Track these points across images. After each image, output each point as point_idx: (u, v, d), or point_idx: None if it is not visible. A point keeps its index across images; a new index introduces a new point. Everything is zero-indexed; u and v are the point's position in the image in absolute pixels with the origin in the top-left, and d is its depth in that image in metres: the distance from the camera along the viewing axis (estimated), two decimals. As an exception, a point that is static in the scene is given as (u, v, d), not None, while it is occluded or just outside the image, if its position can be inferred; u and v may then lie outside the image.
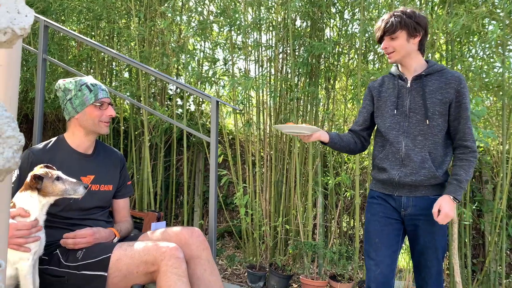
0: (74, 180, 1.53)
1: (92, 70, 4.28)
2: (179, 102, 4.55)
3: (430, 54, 3.23)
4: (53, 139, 1.84)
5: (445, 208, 1.64)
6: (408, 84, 1.80)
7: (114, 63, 4.45)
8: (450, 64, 3.37)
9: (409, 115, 1.77)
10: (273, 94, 3.58)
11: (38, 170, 1.48)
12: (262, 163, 4.00)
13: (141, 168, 4.04)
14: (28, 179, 1.46)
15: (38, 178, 1.45)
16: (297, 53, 3.74)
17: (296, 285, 3.55)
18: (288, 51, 3.69)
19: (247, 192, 3.76)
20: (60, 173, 1.52)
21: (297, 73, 3.75)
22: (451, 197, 1.66)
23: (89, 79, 1.82)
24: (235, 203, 3.59)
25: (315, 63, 3.63)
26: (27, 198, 1.46)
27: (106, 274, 1.54)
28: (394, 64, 1.89)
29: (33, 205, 1.46)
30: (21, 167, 1.66)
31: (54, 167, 1.57)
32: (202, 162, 4.50)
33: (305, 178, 3.73)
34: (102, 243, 1.65)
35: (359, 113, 1.99)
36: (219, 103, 1.93)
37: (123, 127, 4.16)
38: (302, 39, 3.70)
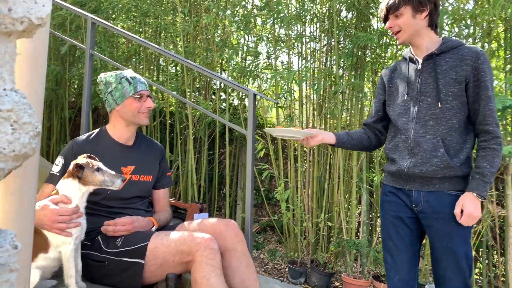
0: (113, 173, 1.59)
1: (140, 66, 4.43)
2: (223, 96, 4.61)
3: (486, 44, 3.02)
4: (96, 130, 1.91)
5: (468, 208, 1.45)
6: (419, 66, 1.62)
7: (161, 59, 4.57)
8: (509, 54, 3.13)
9: (419, 99, 1.59)
10: (316, 87, 3.51)
11: (81, 159, 1.55)
12: (304, 158, 3.95)
13: (186, 160, 4.13)
14: (70, 167, 1.53)
15: (80, 167, 1.51)
16: (341, 45, 3.65)
17: (338, 283, 3.48)
18: (333, 43, 3.60)
19: (289, 187, 3.74)
20: (101, 165, 1.58)
21: (341, 66, 3.65)
22: (475, 194, 1.47)
23: (129, 73, 1.88)
24: (276, 197, 3.57)
25: (360, 55, 3.51)
26: (69, 185, 1.53)
27: (143, 261, 1.58)
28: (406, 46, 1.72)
29: (74, 192, 1.53)
30: (65, 157, 1.75)
31: (96, 158, 1.63)
32: (245, 156, 4.52)
33: (350, 175, 3.64)
34: (140, 231, 1.70)
35: (373, 105, 1.83)
36: (256, 95, 1.92)
37: (169, 121, 4.27)
38: (347, 30, 3.59)
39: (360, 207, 3.57)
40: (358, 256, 3.38)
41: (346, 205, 3.53)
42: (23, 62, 0.66)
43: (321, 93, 3.66)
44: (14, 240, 0.52)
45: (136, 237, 1.64)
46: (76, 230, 1.51)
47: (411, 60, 1.67)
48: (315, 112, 3.80)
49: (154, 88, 4.14)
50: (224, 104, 4.48)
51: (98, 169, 1.55)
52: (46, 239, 1.48)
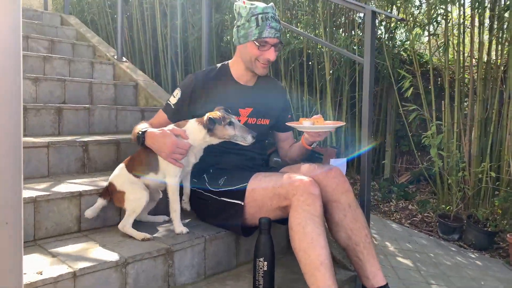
0: (245, 128, 1.51)
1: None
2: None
3: None
4: (219, 65, 1.81)
5: None
6: None
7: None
8: None
9: None
10: (479, 8, 2.77)
11: (215, 113, 1.49)
12: (466, 96, 3.28)
13: (324, 104, 3.89)
14: (205, 118, 1.49)
15: (212, 121, 1.47)
16: None
17: (504, 245, 2.89)
18: None
19: (443, 131, 3.17)
20: (233, 119, 1.51)
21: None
22: None
23: (266, 9, 1.63)
24: (426, 143, 3.08)
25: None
26: (197, 130, 1.51)
27: (242, 203, 1.50)
28: None
29: (198, 137, 1.51)
30: (183, 91, 1.71)
31: (231, 113, 1.55)
32: (395, 96, 4.02)
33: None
34: (242, 173, 1.61)
35: None
36: (376, 13, 1.56)
37: (310, 62, 4.06)
38: None
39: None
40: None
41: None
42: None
43: (488, 14, 2.89)
44: None
45: (237, 177, 1.57)
46: (184, 161, 1.50)
47: None
48: (481, 36, 3.03)
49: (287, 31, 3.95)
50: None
51: (230, 123, 1.49)
52: (158, 162, 1.51)
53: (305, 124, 1.54)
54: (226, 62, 1.79)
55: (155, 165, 1.52)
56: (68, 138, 1.95)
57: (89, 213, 1.52)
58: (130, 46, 4.78)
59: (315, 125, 1.53)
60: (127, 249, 1.36)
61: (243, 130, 1.49)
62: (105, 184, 1.60)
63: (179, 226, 1.53)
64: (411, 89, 3.16)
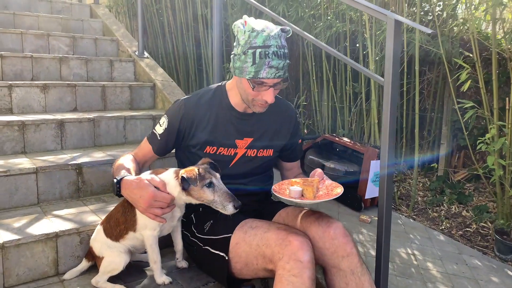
0: (228, 193, 1.27)
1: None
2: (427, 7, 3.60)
3: None
4: (213, 87, 1.54)
5: None
6: None
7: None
8: None
9: None
10: None
11: (192, 170, 1.27)
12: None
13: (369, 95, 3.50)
14: (179, 174, 1.28)
15: (186, 182, 1.26)
16: None
17: None
18: None
19: (506, 134, 2.69)
20: (215, 179, 1.28)
21: None
22: None
23: (268, 41, 1.30)
24: (482, 149, 2.63)
25: None
26: (173, 185, 1.30)
27: (227, 257, 1.29)
28: None
29: (174, 193, 1.30)
30: (170, 120, 1.49)
31: (216, 169, 1.33)
32: (452, 84, 3.51)
33: None
34: (228, 219, 1.37)
35: None
36: (401, 23, 1.21)
37: (357, 45, 3.65)
38: None
39: None
40: None
41: None
42: None
43: None
44: None
45: (222, 224, 1.35)
46: (168, 215, 1.31)
47: None
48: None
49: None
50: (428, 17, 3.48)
51: (210, 185, 1.26)
52: (135, 217, 1.34)
53: (292, 191, 1.27)
54: (223, 83, 1.53)
55: (133, 221, 1.33)
56: (61, 160, 1.83)
57: (68, 276, 1.41)
58: (175, 32, 4.61)
59: (301, 201, 1.26)
60: (94, 307, 1.22)
61: (225, 196, 1.25)
62: (94, 218, 1.47)
63: (160, 277, 1.36)
64: (469, 82, 2.68)
